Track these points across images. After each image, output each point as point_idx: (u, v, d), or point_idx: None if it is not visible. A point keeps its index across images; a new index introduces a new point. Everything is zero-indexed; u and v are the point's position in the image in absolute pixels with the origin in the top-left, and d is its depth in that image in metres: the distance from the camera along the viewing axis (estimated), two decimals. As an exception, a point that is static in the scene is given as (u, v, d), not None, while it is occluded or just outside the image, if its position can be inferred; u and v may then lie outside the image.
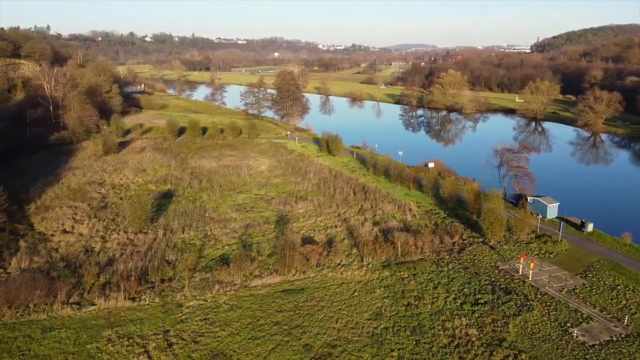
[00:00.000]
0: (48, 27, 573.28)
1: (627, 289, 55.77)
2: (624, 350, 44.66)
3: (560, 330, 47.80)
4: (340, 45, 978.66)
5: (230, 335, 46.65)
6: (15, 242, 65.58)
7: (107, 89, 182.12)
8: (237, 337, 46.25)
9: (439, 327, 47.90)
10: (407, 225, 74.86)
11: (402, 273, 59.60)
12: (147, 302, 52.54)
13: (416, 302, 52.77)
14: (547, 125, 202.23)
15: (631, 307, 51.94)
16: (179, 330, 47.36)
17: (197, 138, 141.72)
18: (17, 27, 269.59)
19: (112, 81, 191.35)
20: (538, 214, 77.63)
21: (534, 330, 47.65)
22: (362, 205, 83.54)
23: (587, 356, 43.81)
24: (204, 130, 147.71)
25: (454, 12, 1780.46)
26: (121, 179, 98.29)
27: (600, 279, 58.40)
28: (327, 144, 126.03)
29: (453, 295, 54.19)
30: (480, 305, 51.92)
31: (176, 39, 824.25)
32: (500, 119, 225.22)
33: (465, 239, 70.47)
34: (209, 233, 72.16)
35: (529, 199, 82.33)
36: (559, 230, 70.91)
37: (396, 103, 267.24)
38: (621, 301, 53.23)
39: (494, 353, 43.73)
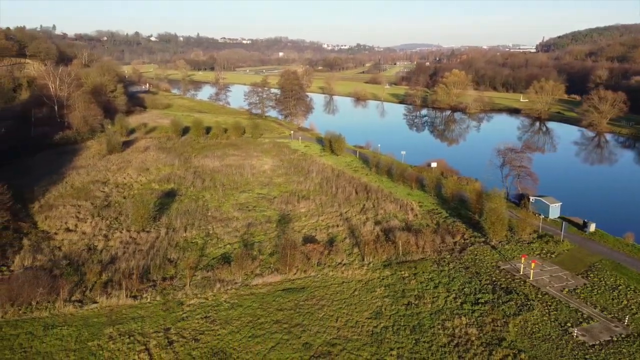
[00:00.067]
0: (54, 27, 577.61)
1: (629, 289, 55.61)
2: (624, 350, 44.58)
3: (560, 330, 47.75)
4: (345, 45, 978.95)
5: (230, 333, 46.89)
6: (19, 241, 66.13)
7: (112, 88, 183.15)
8: (238, 335, 46.49)
9: (439, 327, 47.96)
10: (409, 224, 74.90)
11: (402, 272, 59.68)
12: (148, 300, 52.87)
13: (416, 302, 52.85)
14: (551, 125, 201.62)
15: (632, 307, 51.81)
16: (180, 328, 47.64)
17: (201, 137, 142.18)
18: (23, 26, 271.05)
19: (116, 81, 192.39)
20: (540, 214, 77.57)
21: (534, 330, 47.63)
22: (364, 205, 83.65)
23: (587, 356, 43.77)
24: (208, 129, 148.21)
25: (454, 12, 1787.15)
26: (125, 178, 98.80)
27: (602, 279, 58.26)
28: (330, 144, 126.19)
29: (453, 295, 54.22)
30: (480, 305, 51.93)
31: (181, 38, 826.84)
32: (504, 118, 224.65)
33: (467, 239, 70.45)
34: (211, 232, 72.49)
35: (531, 199, 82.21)
36: (561, 230, 70.76)
37: (400, 103, 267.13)
38: (622, 301, 53.10)
39: (494, 352, 43.75)
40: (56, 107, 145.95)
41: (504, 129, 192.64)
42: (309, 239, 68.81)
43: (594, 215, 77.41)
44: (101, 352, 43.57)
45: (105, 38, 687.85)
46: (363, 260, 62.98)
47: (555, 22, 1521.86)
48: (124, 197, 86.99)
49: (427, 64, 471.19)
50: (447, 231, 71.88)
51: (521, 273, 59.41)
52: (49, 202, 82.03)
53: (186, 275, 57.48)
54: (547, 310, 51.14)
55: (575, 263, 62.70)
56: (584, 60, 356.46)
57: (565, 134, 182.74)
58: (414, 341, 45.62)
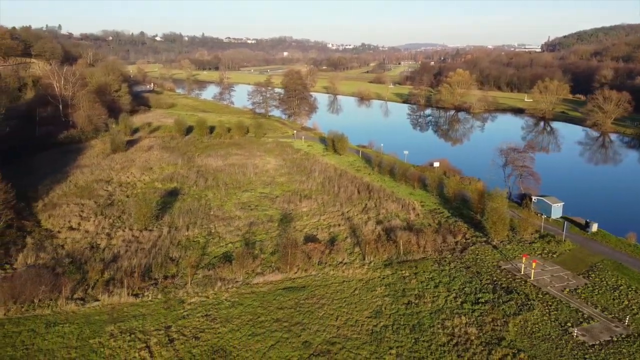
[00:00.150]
0: (60, 27, 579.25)
1: (630, 289, 55.49)
2: (624, 350, 44.54)
3: (560, 329, 47.74)
4: (350, 45, 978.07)
5: (230, 331, 47.14)
6: (22, 239, 66.59)
7: (116, 88, 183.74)
8: (238, 334, 46.73)
9: (439, 326, 48.05)
10: (410, 224, 74.93)
11: (403, 272, 59.77)
12: (149, 298, 53.24)
13: (416, 301, 52.96)
14: (555, 125, 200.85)
15: (633, 307, 51.72)
16: (180, 326, 47.94)
17: (205, 137, 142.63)
18: (28, 26, 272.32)
19: (121, 80, 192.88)
20: (542, 214, 77.44)
21: (534, 330, 47.64)
22: (366, 204, 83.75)
23: (587, 356, 43.76)
24: (212, 129, 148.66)
25: (454, 12, 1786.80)
26: (128, 177, 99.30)
27: (603, 279, 58.17)
28: (333, 143, 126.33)
29: (454, 294, 54.28)
30: (480, 305, 51.97)
31: (186, 38, 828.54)
32: (508, 118, 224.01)
33: (468, 239, 70.45)
34: (213, 231, 72.80)
35: (533, 199, 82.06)
36: (563, 230, 70.64)
37: (404, 102, 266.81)
38: (623, 301, 53.01)
39: (493, 352, 43.81)
40: (61, 107, 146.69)
41: (508, 129, 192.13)
42: (310, 238, 68.99)
43: (597, 216, 77.23)
44: (102, 349, 43.93)
45: (110, 38, 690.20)
46: (364, 259, 63.10)
47: (555, 22, 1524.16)
48: (127, 196, 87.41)
49: (432, 63, 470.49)
50: (448, 231, 71.89)
51: (522, 273, 59.38)
52: (53, 201, 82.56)
53: (187, 274, 57.77)
54: (547, 310, 51.13)
55: (576, 263, 62.60)
56: (589, 60, 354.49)
57: (569, 133, 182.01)
58: (413, 340, 45.73)
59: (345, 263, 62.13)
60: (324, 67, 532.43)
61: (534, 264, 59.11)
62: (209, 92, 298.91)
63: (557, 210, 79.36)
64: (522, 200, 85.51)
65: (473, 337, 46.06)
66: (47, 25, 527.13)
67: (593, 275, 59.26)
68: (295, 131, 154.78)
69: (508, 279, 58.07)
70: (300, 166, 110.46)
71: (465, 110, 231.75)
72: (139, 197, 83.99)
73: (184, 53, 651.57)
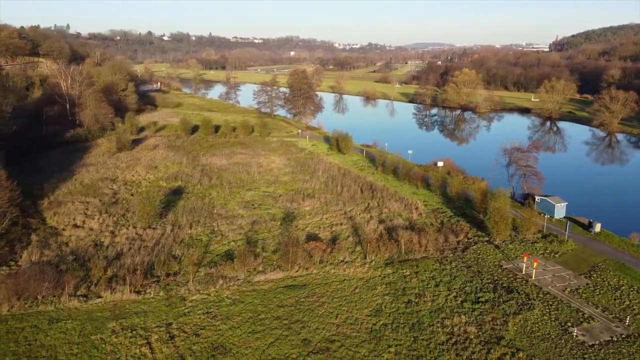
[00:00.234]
0: (68, 26, 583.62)
1: (632, 289, 55.31)
2: (624, 350, 44.45)
3: (560, 329, 47.69)
4: (356, 44, 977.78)
5: (231, 328, 47.49)
6: (27, 236, 67.33)
7: (123, 87, 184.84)
8: (238, 331, 47.07)
9: (438, 325, 48.15)
10: (413, 223, 74.99)
11: (404, 271, 59.88)
12: (151, 295, 53.68)
13: (417, 300, 53.06)
14: (562, 124, 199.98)
15: (634, 307, 51.57)
16: (182, 323, 48.34)
17: (210, 136, 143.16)
18: (37, 26, 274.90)
19: (128, 79, 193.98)
20: (545, 214, 77.21)
21: (534, 329, 47.62)
22: (369, 204, 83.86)
23: (586, 356, 43.71)
24: (217, 128, 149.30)
25: (455, 12, 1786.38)
26: (133, 176, 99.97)
27: (605, 279, 58.00)
28: (337, 143, 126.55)
29: (454, 293, 54.34)
30: (480, 304, 52.01)
31: (193, 38, 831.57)
32: (515, 118, 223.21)
33: (471, 238, 70.43)
34: (216, 229, 73.21)
35: (536, 199, 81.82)
36: (566, 230, 70.45)
37: (410, 102, 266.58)
38: (624, 301, 52.86)
39: (492, 351, 43.87)
40: (68, 106, 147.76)
41: (514, 129, 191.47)
42: (312, 237, 69.19)
43: (601, 216, 76.95)
44: (104, 345, 44.40)
45: (118, 37, 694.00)
46: (365, 258, 63.26)
47: (555, 22, 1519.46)
48: (132, 194, 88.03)
49: (439, 63, 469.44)
50: (450, 230, 71.90)
51: (523, 272, 59.31)
52: (58, 199, 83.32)
53: (189, 272, 58.19)
54: (547, 310, 51.08)
55: (578, 263, 62.44)
56: (596, 60, 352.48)
57: (575, 133, 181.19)
58: (412, 339, 45.86)
59: (347, 262, 62.31)
60: (330, 67, 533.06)
61: (535, 264, 59.02)
62: (216, 92, 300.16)
63: (560, 210, 79.11)
64: (525, 200, 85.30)
65: (472, 336, 46.12)
66: (55, 25, 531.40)
67: (595, 275, 59.10)
68: (300, 130, 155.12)
69: (509, 279, 58.03)
70: (304, 165, 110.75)
71: (471, 110, 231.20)
72: (143, 195, 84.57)
73: (191, 52, 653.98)
